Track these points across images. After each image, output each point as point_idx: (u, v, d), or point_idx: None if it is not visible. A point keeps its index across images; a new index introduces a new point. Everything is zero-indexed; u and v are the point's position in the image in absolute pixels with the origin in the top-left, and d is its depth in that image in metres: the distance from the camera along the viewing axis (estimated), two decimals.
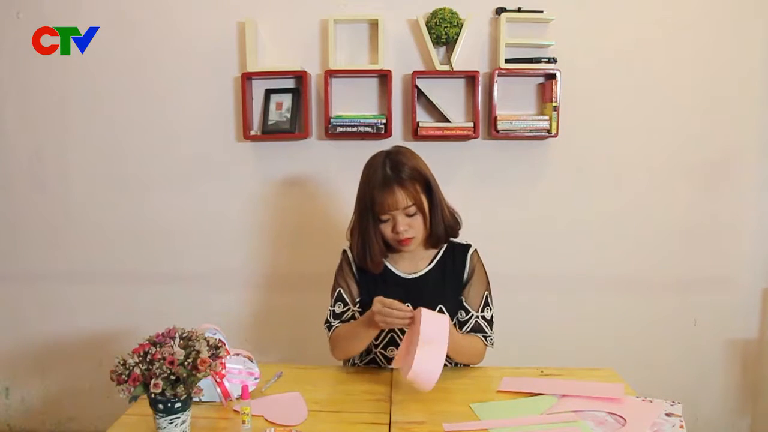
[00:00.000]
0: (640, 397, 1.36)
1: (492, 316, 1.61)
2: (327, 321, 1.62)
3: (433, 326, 1.31)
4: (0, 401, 2.66)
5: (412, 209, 1.49)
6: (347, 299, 1.61)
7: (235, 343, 1.51)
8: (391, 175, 1.47)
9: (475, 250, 1.64)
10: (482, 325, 1.59)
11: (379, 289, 1.58)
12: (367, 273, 1.60)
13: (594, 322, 2.45)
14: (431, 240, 1.58)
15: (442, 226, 1.56)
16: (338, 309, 1.61)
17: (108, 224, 2.50)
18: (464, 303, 1.59)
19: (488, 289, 1.63)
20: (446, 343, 1.30)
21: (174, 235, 2.48)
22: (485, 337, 1.59)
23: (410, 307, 1.39)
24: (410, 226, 1.50)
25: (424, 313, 1.33)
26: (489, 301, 1.62)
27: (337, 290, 1.63)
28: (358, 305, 1.61)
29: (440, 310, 1.54)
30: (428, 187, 1.52)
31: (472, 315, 1.59)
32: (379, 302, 1.38)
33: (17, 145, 2.49)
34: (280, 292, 2.49)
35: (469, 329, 1.58)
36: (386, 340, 1.59)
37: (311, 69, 2.35)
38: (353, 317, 1.60)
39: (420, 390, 1.32)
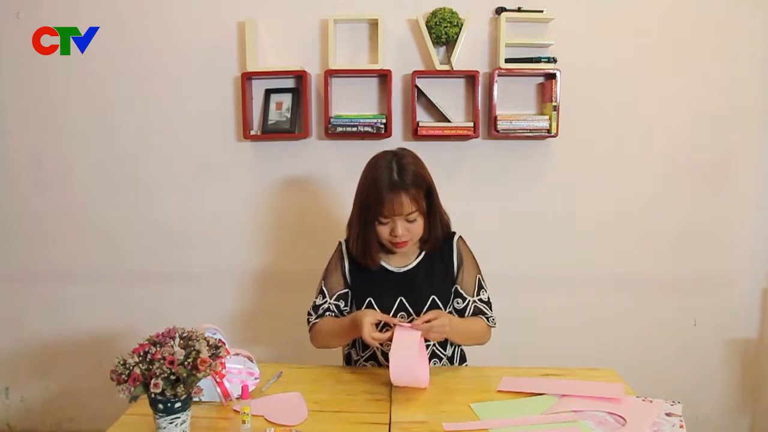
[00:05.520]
0: (640, 397, 1.36)
1: (489, 298, 1.64)
2: (309, 312, 1.65)
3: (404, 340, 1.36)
4: (0, 401, 2.66)
5: (414, 215, 1.50)
6: (326, 292, 1.63)
7: (235, 343, 1.50)
8: (398, 181, 1.47)
9: (460, 236, 1.66)
10: (481, 307, 1.62)
11: (372, 282, 1.61)
12: (361, 266, 1.62)
13: (594, 322, 2.45)
14: (428, 245, 1.60)
15: (439, 231, 1.58)
16: (318, 301, 1.64)
17: (108, 224, 2.50)
18: (459, 290, 1.62)
19: (479, 272, 1.66)
20: (415, 347, 1.35)
21: (174, 234, 2.48)
22: (487, 318, 1.62)
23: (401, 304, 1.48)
24: (408, 230, 1.51)
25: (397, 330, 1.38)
26: (482, 284, 1.65)
27: (321, 282, 1.66)
28: (335, 298, 1.63)
29: (433, 301, 1.58)
30: (429, 192, 1.53)
31: (469, 300, 1.62)
32: (369, 336, 1.41)
33: (17, 145, 2.49)
34: (279, 291, 2.49)
35: (470, 314, 1.62)
36: None
37: (311, 69, 2.35)
38: (329, 309, 1.63)
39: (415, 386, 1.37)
